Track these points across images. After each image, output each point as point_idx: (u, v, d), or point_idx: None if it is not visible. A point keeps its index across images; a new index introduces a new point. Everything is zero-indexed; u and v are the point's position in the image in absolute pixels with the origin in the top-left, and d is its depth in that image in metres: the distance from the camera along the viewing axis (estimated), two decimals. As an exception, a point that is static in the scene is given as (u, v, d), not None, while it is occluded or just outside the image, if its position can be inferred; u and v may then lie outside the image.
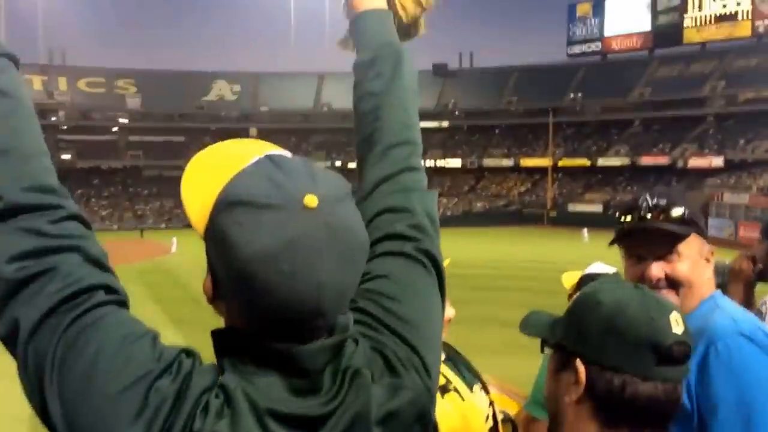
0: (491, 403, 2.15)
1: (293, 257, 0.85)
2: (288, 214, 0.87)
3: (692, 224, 1.75)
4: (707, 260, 1.79)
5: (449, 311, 2.06)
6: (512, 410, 2.35)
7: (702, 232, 1.78)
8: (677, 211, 1.74)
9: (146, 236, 58.72)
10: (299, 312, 0.88)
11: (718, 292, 1.81)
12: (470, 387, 2.09)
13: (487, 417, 2.08)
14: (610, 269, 2.89)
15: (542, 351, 1.25)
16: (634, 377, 1.08)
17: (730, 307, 1.73)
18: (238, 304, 0.92)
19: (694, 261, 1.74)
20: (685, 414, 1.53)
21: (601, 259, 3.15)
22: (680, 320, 1.11)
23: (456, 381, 2.05)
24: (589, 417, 1.12)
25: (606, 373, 1.10)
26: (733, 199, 52.49)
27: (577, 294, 1.21)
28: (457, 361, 2.19)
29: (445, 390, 1.99)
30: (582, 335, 1.13)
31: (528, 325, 1.27)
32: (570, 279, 2.96)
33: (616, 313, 1.10)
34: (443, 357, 2.01)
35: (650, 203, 1.76)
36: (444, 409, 1.91)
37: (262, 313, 0.90)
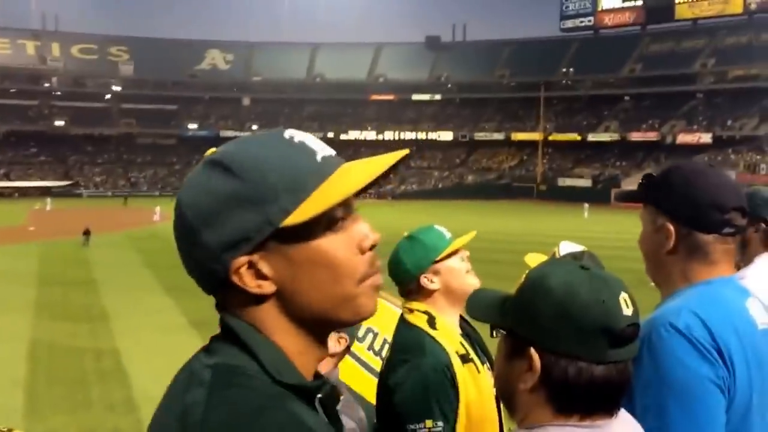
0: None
1: None
2: None
3: None
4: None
5: (475, 280, 2.25)
6: None
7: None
8: None
9: (130, 203, 59.60)
10: None
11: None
12: (482, 364, 2.20)
13: (495, 396, 2.17)
14: (579, 247, 2.80)
15: (491, 335, 1.22)
16: (589, 363, 1.08)
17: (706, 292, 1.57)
18: None
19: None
20: None
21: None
22: (629, 300, 1.11)
23: (473, 354, 2.18)
24: (543, 403, 1.12)
25: (561, 361, 1.09)
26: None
27: (525, 277, 1.18)
28: (473, 339, 2.28)
29: (465, 359, 2.12)
30: (534, 322, 1.11)
31: (475, 308, 1.25)
32: (535, 260, 2.72)
33: (567, 298, 1.09)
34: (460, 332, 2.23)
35: None
36: (464, 375, 2.08)
37: None
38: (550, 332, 1.10)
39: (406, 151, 0.89)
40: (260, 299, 0.85)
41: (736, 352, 1.48)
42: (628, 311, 1.10)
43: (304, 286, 0.85)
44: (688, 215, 1.58)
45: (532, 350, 1.11)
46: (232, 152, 0.87)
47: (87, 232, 30.83)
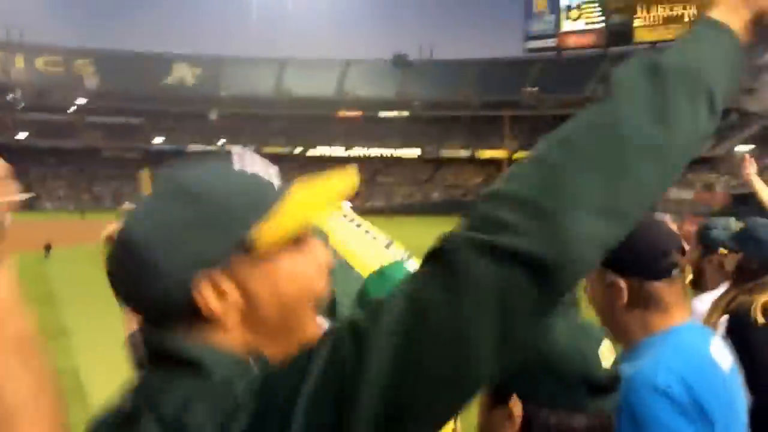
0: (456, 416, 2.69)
1: None
2: None
3: None
4: None
5: None
6: None
7: None
8: None
9: (90, 218, 58.97)
10: None
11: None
12: None
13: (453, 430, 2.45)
14: None
15: None
16: (569, 412, 1.07)
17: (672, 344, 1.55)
18: None
19: None
20: None
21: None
22: (609, 349, 1.11)
23: None
24: None
25: (541, 410, 1.08)
26: (679, 195, 54.72)
27: None
28: None
29: None
30: (514, 371, 1.09)
31: None
32: None
33: (546, 348, 1.08)
34: None
35: None
36: None
37: None
38: (530, 381, 1.09)
39: (353, 171, 0.90)
40: (220, 323, 0.84)
41: (714, 404, 1.47)
42: (608, 361, 1.10)
43: (266, 309, 0.85)
44: (637, 267, 1.58)
45: (513, 399, 1.10)
46: (190, 179, 0.86)
47: (48, 247, 30.48)
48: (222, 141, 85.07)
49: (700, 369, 1.50)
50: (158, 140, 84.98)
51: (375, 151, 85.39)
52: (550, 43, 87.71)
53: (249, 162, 0.90)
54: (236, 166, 0.88)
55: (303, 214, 0.85)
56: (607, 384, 1.09)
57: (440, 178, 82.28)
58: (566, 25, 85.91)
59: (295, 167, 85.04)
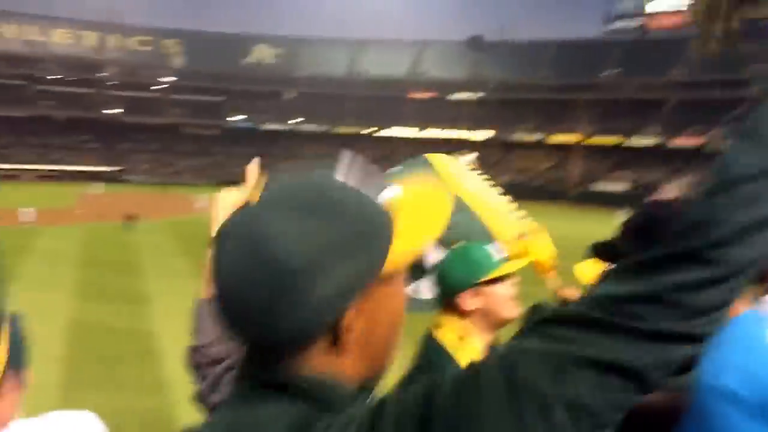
0: None
1: None
2: None
3: None
4: None
5: (515, 311, 2.05)
6: None
7: None
8: None
9: (171, 191, 60.94)
10: None
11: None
12: None
13: None
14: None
15: None
16: None
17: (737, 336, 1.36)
18: None
19: None
20: None
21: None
22: None
23: None
24: None
25: None
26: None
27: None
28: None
29: None
30: None
31: None
32: (584, 271, 2.61)
33: None
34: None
35: None
36: None
37: None
38: None
39: (446, 195, 0.88)
40: (346, 352, 0.79)
41: None
42: None
43: (378, 337, 0.82)
44: None
45: None
46: (334, 195, 0.79)
47: (132, 217, 31.96)
48: (297, 119, 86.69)
49: (763, 362, 1.32)
50: (236, 118, 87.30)
51: (447, 134, 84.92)
52: (635, 23, 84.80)
53: (356, 172, 0.85)
54: (340, 174, 0.85)
55: (417, 241, 0.83)
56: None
57: (510, 162, 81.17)
58: (652, 6, 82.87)
59: (367, 146, 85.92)
